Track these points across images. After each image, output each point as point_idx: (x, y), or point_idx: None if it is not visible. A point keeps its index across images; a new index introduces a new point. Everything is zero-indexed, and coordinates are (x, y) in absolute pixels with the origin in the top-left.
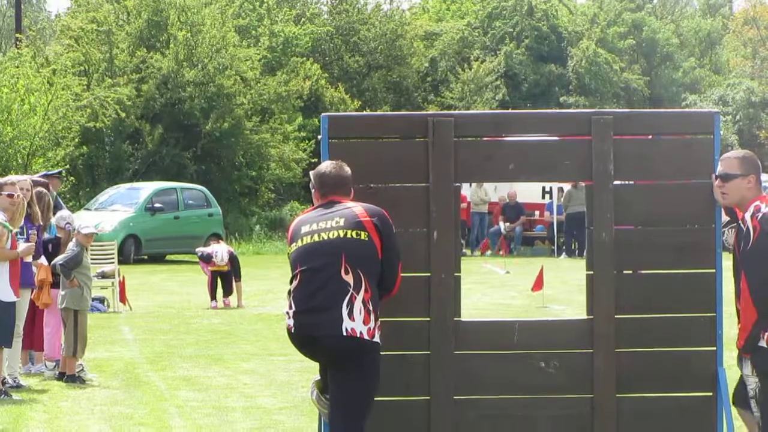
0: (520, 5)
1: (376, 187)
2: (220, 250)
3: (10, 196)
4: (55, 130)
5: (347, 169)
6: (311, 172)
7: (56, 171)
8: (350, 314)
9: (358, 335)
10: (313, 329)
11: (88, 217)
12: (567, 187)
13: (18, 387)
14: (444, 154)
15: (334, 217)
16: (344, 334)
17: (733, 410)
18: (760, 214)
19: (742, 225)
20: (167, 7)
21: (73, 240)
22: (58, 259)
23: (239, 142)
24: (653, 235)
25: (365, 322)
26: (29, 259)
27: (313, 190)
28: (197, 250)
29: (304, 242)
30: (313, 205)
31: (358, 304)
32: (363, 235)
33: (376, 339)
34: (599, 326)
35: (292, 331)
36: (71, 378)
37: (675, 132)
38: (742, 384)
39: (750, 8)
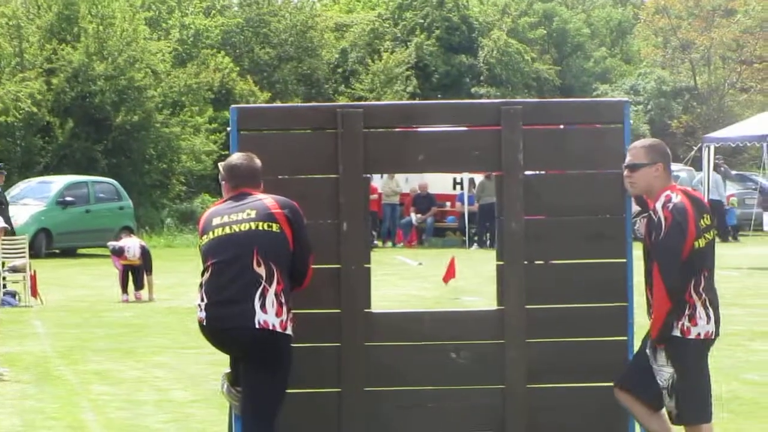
0: None
1: (286, 178)
2: (132, 245)
3: None
4: None
5: (257, 161)
6: (221, 164)
7: None
8: (262, 306)
9: (271, 327)
10: (224, 322)
11: None
12: (479, 178)
13: None
14: (353, 145)
15: (245, 209)
16: (257, 326)
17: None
18: (671, 204)
19: (653, 215)
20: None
21: None
22: None
23: (150, 135)
24: (564, 225)
25: (278, 314)
26: None
27: (222, 183)
28: (109, 243)
29: (216, 234)
30: (223, 197)
31: (270, 297)
32: (275, 227)
33: (289, 331)
34: (510, 317)
35: (204, 323)
36: None
37: (585, 121)
38: (637, 368)
39: None
